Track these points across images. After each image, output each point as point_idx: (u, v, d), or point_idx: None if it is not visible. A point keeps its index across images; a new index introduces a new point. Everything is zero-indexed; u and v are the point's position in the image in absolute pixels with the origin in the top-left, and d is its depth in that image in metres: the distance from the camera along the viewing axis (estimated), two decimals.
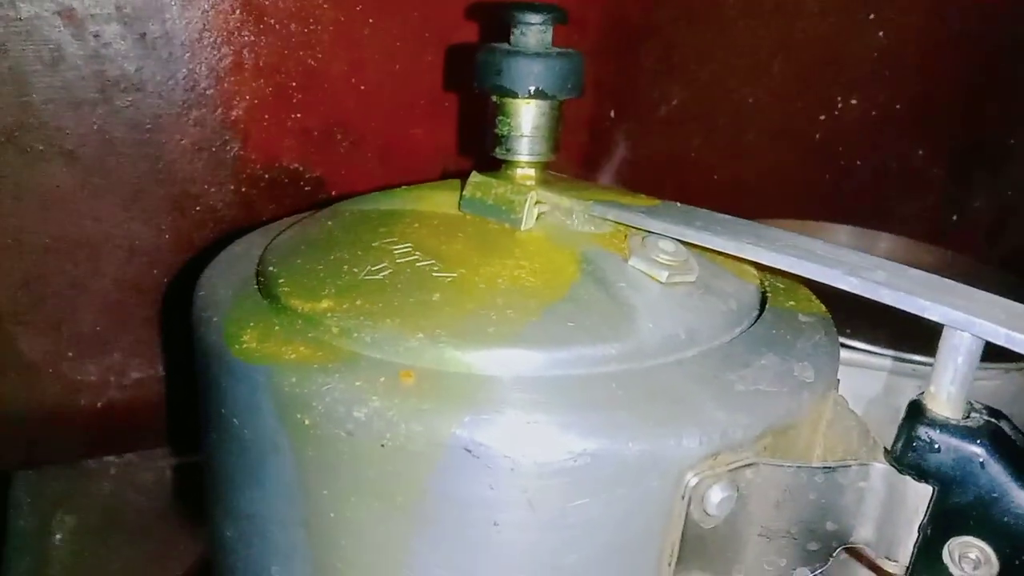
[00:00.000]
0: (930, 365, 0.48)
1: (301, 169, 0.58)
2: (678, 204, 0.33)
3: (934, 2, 0.78)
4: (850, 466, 0.28)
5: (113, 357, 0.58)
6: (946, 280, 0.27)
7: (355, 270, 0.31)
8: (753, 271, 0.36)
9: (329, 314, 0.29)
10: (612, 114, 0.67)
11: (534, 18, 0.32)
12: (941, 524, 0.26)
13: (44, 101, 0.50)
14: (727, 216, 0.32)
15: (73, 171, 0.52)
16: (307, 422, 0.27)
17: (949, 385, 0.26)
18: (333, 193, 0.59)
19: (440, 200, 0.36)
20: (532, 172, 0.35)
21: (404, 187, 0.40)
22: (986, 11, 0.81)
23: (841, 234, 0.68)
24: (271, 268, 0.32)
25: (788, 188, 0.77)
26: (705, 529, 0.27)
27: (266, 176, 0.57)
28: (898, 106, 0.81)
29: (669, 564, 0.27)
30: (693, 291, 0.31)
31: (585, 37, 0.64)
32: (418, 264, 0.31)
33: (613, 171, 0.69)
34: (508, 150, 0.34)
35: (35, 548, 0.49)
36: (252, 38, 0.54)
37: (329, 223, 0.36)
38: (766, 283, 0.36)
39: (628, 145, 0.69)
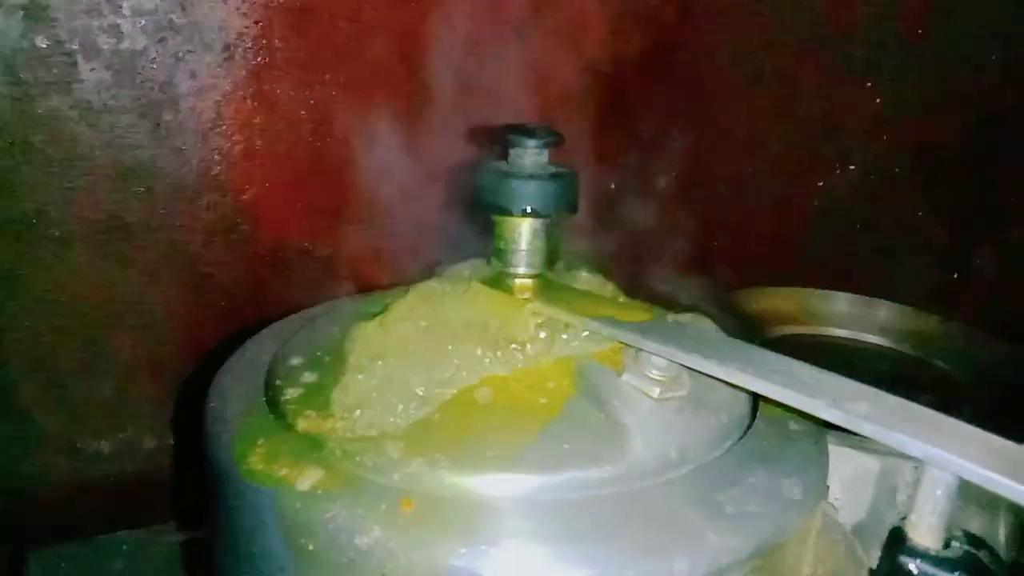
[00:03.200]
0: None
1: (311, 247, 0.59)
2: (670, 320, 0.34)
3: (932, 69, 0.80)
4: None
5: (127, 431, 0.59)
6: (926, 411, 0.28)
7: (360, 387, 0.32)
8: None
9: (334, 436, 0.30)
10: (613, 186, 0.69)
11: (529, 142, 0.34)
12: None
13: (62, 189, 0.52)
14: (719, 335, 0.33)
15: (89, 256, 0.54)
16: (311, 547, 0.28)
17: (929, 516, 0.27)
18: (342, 270, 0.60)
19: (443, 306, 0.38)
20: (530, 283, 0.36)
21: (409, 288, 0.41)
22: (984, 75, 0.82)
23: (840, 302, 0.69)
24: (279, 382, 0.34)
25: (788, 254, 0.78)
26: None
27: (277, 255, 0.59)
28: (897, 169, 0.82)
29: None
30: (685, 406, 0.32)
31: (586, 116, 0.65)
32: (422, 379, 0.32)
33: (615, 241, 0.70)
34: (506, 263, 0.36)
35: None
36: (263, 125, 0.56)
37: (335, 329, 0.37)
38: None
39: (629, 216, 0.70)
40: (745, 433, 0.34)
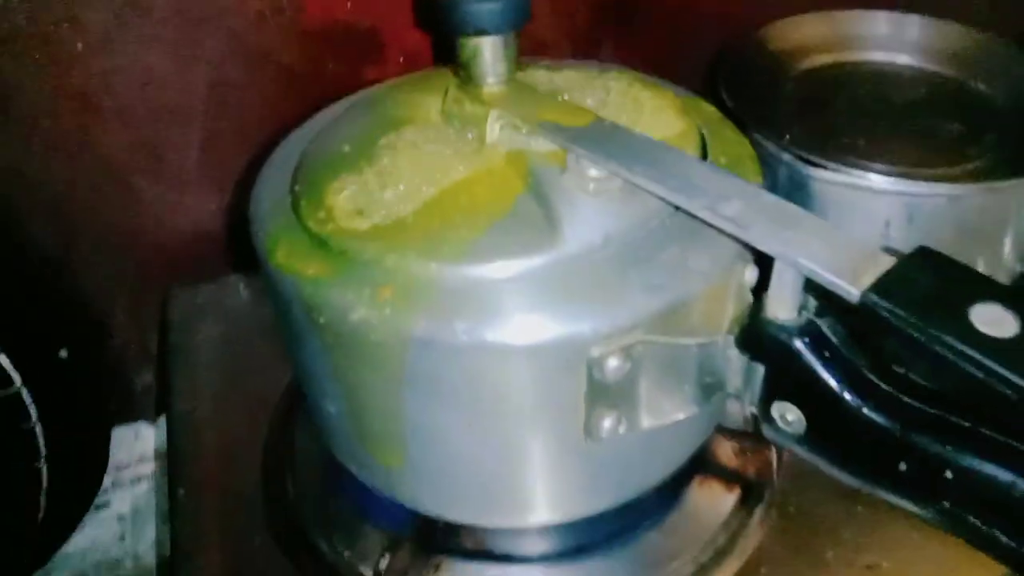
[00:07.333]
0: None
1: (355, 22, 0.65)
2: (607, 124, 0.39)
3: None
4: (716, 341, 0.36)
5: (227, 193, 0.70)
6: (793, 210, 0.33)
7: (355, 193, 0.40)
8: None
9: (334, 237, 0.39)
10: None
11: None
12: (770, 390, 0.35)
13: None
14: (647, 139, 0.38)
15: (165, 51, 0.62)
16: (321, 320, 0.38)
17: (780, 290, 0.33)
18: (386, 42, 0.66)
19: (431, 104, 0.45)
20: (497, 91, 0.42)
21: (410, 81, 0.48)
22: None
23: (875, 21, 0.68)
24: (297, 187, 0.42)
25: None
26: (608, 383, 0.37)
27: (324, 32, 0.65)
28: None
29: (584, 406, 0.38)
30: (616, 196, 0.39)
31: None
32: (403, 184, 0.40)
33: None
34: (473, 76, 0.41)
35: (189, 348, 0.65)
36: None
37: (343, 132, 0.45)
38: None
39: None
40: (675, 212, 0.40)
